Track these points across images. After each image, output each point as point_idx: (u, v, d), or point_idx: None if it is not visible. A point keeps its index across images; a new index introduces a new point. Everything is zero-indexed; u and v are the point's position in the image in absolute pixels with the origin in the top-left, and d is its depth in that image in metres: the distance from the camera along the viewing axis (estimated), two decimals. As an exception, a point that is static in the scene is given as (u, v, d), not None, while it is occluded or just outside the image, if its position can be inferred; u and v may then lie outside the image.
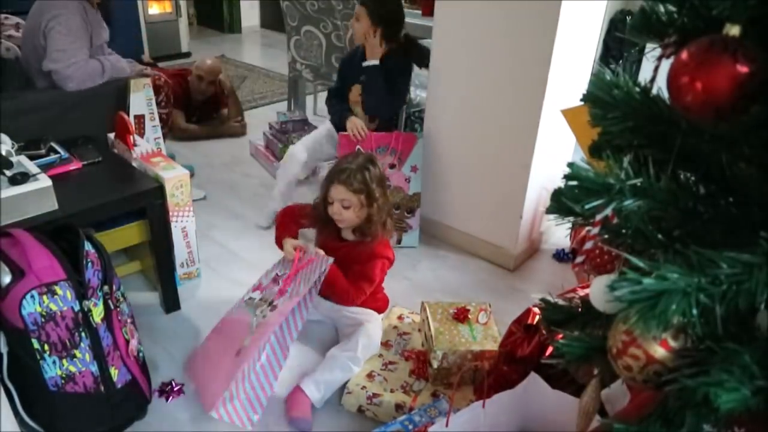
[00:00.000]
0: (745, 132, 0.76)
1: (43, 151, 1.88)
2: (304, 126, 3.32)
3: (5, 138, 1.75)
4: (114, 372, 1.51)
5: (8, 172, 1.60)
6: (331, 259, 1.64)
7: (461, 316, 1.75)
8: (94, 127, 2.17)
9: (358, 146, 2.41)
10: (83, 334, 1.43)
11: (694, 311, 0.67)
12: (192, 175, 2.71)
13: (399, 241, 2.50)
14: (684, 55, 0.70)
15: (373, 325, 1.83)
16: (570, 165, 0.82)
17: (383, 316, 1.95)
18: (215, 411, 1.51)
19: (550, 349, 1.41)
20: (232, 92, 3.71)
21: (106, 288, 1.49)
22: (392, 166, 2.45)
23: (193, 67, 3.55)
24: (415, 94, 2.87)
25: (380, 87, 2.46)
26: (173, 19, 5.20)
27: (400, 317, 1.97)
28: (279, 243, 1.86)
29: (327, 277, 1.67)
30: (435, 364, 1.67)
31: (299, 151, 2.57)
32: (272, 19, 6.50)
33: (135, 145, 2.04)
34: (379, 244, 1.78)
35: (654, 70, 0.86)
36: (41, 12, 2.25)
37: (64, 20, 2.21)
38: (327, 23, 2.89)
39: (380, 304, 1.94)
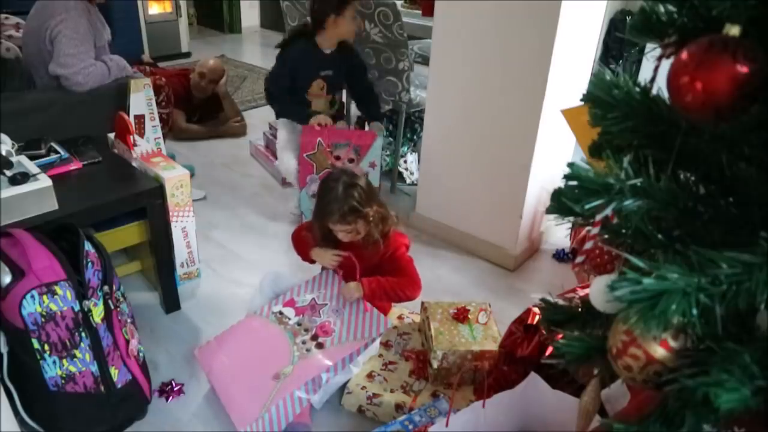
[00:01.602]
0: (745, 132, 0.76)
1: (43, 151, 1.88)
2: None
3: (5, 138, 1.75)
4: (114, 372, 1.51)
5: (8, 172, 1.60)
6: (390, 323, 1.66)
7: (461, 316, 1.75)
8: (94, 127, 2.16)
9: (319, 138, 2.48)
10: (83, 334, 1.43)
11: (694, 311, 0.67)
12: (192, 175, 2.71)
13: None
14: (684, 55, 0.70)
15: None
16: (570, 165, 0.82)
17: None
18: (249, 428, 1.53)
19: (550, 349, 1.41)
20: (227, 95, 3.73)
21: (106, 288, 1.49)
22: (351, 161, 2.53)
23: (197, 65, 3.56)
24: (415, 94, 2.87)
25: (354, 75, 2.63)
26: (173, 19, 5.21)
27: (400, 317, 1.97)
28: (306, 257, 1.88)
29: (385, 290, 1.76)
30: (435, 364, 1.67)
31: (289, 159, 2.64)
32: (272, 19, 6.51)
33: (135, 145, 2.04)
34: (391, 238, 1.81)
35: (654, 70, 0.86)
36: (45, 14, 2.23)
37: (71, 24, 2.19)
38: (327, 23, 2.89)
39: (386, 305, 1.94)
